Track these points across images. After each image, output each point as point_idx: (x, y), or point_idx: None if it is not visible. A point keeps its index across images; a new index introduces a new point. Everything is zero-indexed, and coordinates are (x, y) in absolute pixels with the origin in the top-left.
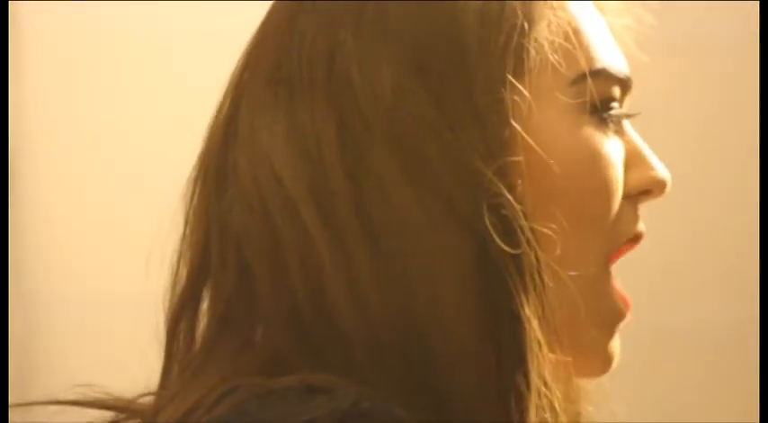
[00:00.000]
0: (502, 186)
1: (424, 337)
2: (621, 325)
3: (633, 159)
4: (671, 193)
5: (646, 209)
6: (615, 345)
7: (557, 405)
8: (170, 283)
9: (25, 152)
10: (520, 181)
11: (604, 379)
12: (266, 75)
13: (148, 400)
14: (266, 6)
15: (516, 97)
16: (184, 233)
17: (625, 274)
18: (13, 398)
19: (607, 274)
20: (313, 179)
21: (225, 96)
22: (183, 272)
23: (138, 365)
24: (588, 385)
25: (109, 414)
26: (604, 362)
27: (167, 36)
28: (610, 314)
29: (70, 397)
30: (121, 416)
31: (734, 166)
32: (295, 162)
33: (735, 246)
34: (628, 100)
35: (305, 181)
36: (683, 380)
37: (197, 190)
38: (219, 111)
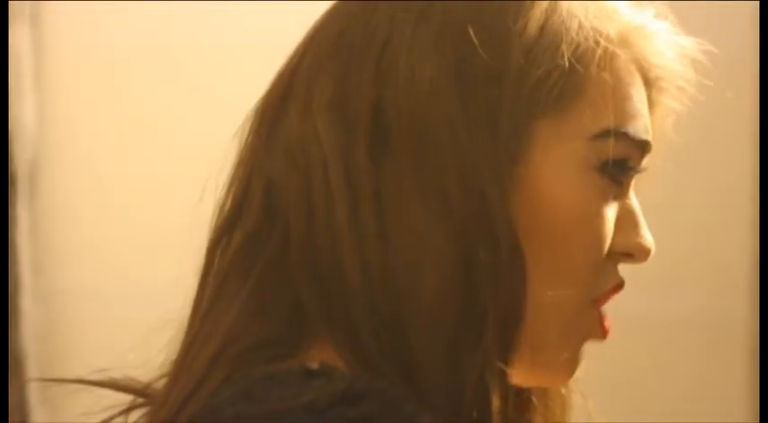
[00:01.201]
0: (497, 200)
1: (403, 303)
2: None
3: (626, 221)
4: (658, 184)
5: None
6: (580, 358)
7: (493, 411)
8: (216, 210)
9: (48, 156)
10: (515, 200)
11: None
12: (332, 39)
13: (162, 382)
14: (288, 18)
15: (536, 129)
16: (235, 167)
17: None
18: (35, 391)
19: (589, 310)
20: (344, 148)
21: (298, 45)
22: (228, 202)
23: (154, 357)
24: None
25: (126, 397)
26: (570, 367)
27: (189, 45)
28: (582, 331)
29: (90, 378)
30: (138, 400)
31: (721, 162)
32: (333, 128)
33: (719, 236)
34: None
35: (338, 148)
36: (666, 369)
37: (254, 126)
38: (290, 57)
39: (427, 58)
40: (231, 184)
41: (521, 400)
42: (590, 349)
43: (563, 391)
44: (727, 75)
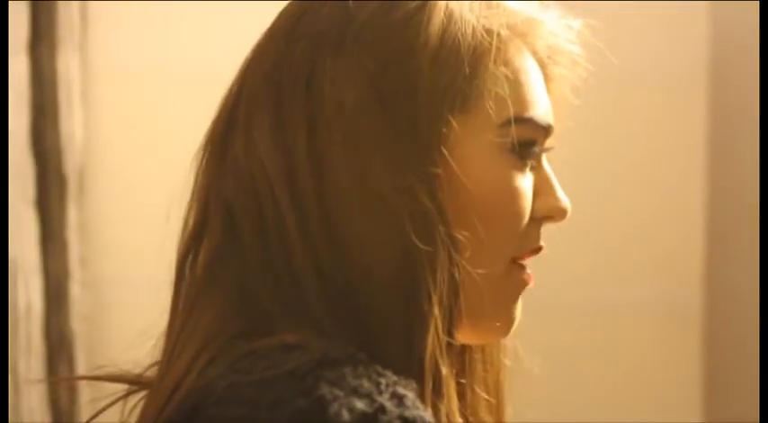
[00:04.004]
0: (426, 197)
1: (358, 296)
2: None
3: (543, 188)
4: (620, 179)
5: (597, 194)
6: (516, 312)
7: (444, 378)
8: (181, 229)
9: (94, 163)
10: (441, 194)
11: (542, 359)
12: (264, 72)
13: (153, 371)
14: None
15: (451, 130)
16: (194, 190)
17: (572, 254)
18: (81, 367)
19: (512, 268)
20: (287, 170)
21: (235, 80)
22: (190, 221)
23: None
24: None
25: (123, 387)
26: (508, 326)
27: (219, 67)
28: (512, 290)
29: (89, 374)
30: (133, 388)
31: (675, 162)
32: (275, 153)
33: (673, 230)
34: (550, 138)
35: (281, 170)
36: (620, 357)
37: (206, 155)
38: (229, 91)
39: (349, 84)
40: (191, 205)
41: (462, 364)
42: (550, 338)
43: (499, 355)
44: (680, 78)
